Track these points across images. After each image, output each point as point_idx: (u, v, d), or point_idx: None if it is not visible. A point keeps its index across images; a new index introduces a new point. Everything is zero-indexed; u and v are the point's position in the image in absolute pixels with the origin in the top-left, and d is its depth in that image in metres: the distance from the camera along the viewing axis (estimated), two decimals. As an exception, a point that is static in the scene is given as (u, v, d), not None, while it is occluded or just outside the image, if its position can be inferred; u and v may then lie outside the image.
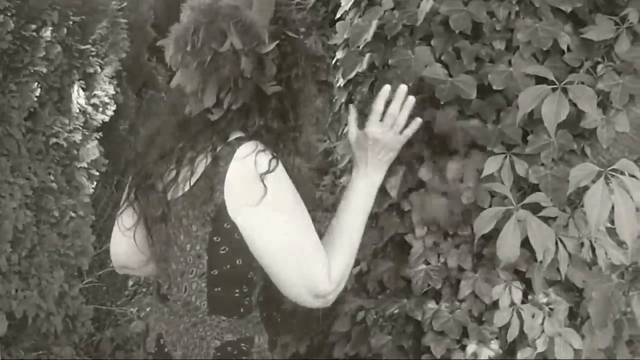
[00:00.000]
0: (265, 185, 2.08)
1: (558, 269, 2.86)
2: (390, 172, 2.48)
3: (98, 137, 4.82)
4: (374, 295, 3.23)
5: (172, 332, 2.36)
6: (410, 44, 2.97)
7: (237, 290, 2.27)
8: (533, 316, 2.95)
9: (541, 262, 2.78)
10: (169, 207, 2.25)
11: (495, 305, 2.93)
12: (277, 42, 2.12)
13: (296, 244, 2.15)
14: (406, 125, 2.30)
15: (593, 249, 2.93)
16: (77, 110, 4.59)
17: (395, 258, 3.13)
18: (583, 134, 2.78)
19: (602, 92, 2.68)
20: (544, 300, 2.97)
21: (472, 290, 2.94)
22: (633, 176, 2.64)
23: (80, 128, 4.61)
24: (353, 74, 3.06)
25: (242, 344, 2.33)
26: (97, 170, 4.82)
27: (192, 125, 2.19)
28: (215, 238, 2.19)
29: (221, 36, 2.04)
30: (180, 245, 2.27)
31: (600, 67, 2.75)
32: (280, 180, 2.13)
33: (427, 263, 2.96)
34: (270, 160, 2.11)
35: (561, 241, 2.84)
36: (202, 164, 2.14)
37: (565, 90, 2.61)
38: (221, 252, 2.21)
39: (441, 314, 3.01)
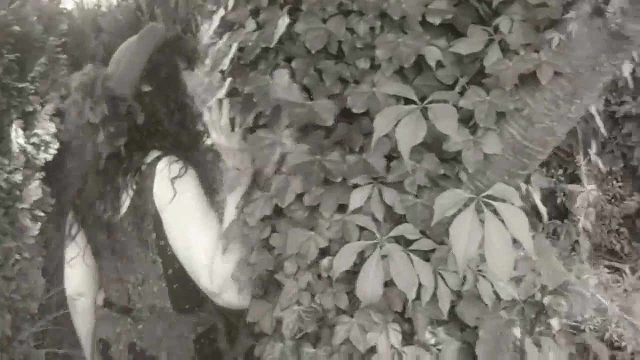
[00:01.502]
0: (174, 189, 2.57)
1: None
2: (248, 198, 2.66)
3: (41, 176, 4.64)
4: (255, 336, 2.98)
5: (149, 337, 2.74)
6: (272, 68, 2.71)
7: (192, 283, 2.63)
8: (417, 359, 2.66)
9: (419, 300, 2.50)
10: (115, 228, 2.69)
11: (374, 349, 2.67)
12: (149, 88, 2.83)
13: (190, 243, 2.59)
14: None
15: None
16: (17, 150, 4.43)
17: (271, 298, 2.86)
18: (456, 158, 2.50)
19: (466, 110, 2.40)
20: (432, 340, 2.68)
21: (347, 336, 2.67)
22: (511, 203, 2.36)
23: (21, 168, 4.44)
24: (212, 100, 2.82)
25: (212, 334, 2.80)
26: (43, 211, 4.64)
27: (110, 160, 2.69)
28: (161, 242, 2.67)
29: (97, 106, 2.63)
30: (137, 256, 2.70)
31: (461, 80, 2.49)
32: (188, 185, 2.64)
33: (300, 304, 2.68)
34: (180, 169, 2.65)
35: (441, 276, 2.54)
36: (132, 184, 2.65)
37: (426, 110, 2.33)
38: (169, 252, 2.67)
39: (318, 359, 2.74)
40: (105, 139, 2.67)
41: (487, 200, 2.37)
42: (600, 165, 3.22)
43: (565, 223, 8.46)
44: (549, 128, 2.51)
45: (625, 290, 7.73)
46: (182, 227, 2.66)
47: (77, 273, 2.98)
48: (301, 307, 2.76)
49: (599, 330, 6.96)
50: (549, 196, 8.91)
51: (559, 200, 8.83)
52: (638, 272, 5.72)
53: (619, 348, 7.08)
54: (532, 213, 3.41)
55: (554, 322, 2.84)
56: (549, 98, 2.46)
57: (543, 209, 3.14)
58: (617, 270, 8.25)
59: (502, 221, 2.34)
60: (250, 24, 2.82)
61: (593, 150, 3.14)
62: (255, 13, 2.86)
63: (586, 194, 3.06)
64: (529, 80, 2.44)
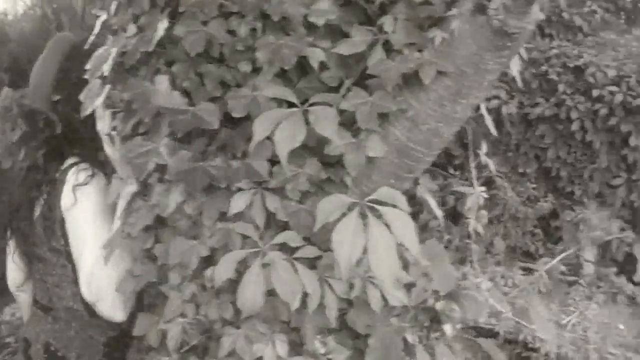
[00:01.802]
0: (75, 196, 2.60)
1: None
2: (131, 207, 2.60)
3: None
4: (144, 350, 2.87)
5: (62, 337, 2.78)
6: (153, 73, 2.61)
7: None
8: (306, 369, 2.58)
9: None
10: (30, 234, 2.78)
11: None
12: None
13: (78, 250, 2.63)
14: None
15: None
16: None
17: (158, 311, 2.76)
18: (341, 162, 2.43)
19: (351, 113, 2.32)
20: (322, 350, 2.60)
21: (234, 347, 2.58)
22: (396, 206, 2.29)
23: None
24: (90, 108, 2.70)
25: (123, 339, 2.78)
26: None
27: (31, 170, 2.80)
28: (67, 248, 2.69)
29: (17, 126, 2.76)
30: (50, 261, 2.76)
31: (346, 82, 2.41)
32: (88, 194, 2.64)
33: (184, 316, 2.58)
34: (87, 176, 2.68)
35: (328, 283, 2.46)
36: (45, 192, 2.73)
37: (307, 113, 2.24)
38: None
39: (204, 373, 2.66)
40: (26, 153, 2.77)
41: (371, 204, 2.29)
42: (491, 166, 3.17)
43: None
44: (434, 129, 2.46)
45: (540, 292, 7.78)
46: (74, 234, 2.68)
47: (12, 269, 3.03)
48: (186, 320, 2.66)
49: (514, 333, 6.99)
50: (462, 199, 8.93)
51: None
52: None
53: (534, 350, 7.11)
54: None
55: (447, 328, 2.79)
56: (434, 98, 2.40)
57: (438, 212, 3.08)
58: (531, 271, 8.31)
59: (388, 226, 2.27)
60: (132, 29, 2.71)
61: (483, 151, 3.10)
62: (137, 17, 2.75)
63: (476, 197, 3.01)
64: (413, 80, 2.39)
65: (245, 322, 2.63)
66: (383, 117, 2.45)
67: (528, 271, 8.84)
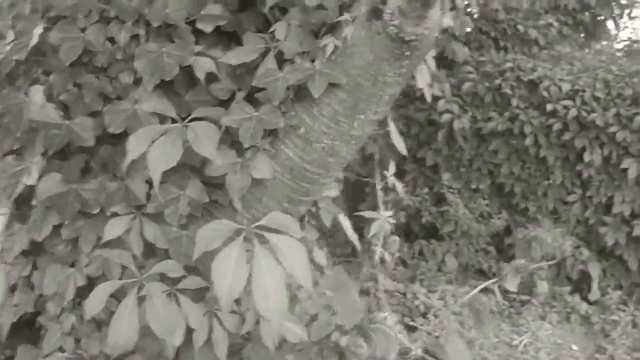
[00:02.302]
0: None
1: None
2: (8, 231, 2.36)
3: None
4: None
5: None
6: (29, 83, 2.37)
7: None
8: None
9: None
10: None
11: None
12: None
13: None
14: None
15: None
16: None
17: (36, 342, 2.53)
18: (231, 183, 2.20)
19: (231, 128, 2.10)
20: (215, 388, 2.37)
21: (113, 384, 2.34)
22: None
23: None
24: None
25: None
26: None
27: None
28: None
29: None
30: None
31: (238, 95, 2.19)
32: None
33: (63, 350, 2.35)
34: None
35: (217, 317, 2.23)
36: None
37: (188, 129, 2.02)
38: None
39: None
40: None
41: (259, 231, 2.07)
42: (399, 188, 2.96)
43: (432, 243, 8.31)
44: (329, 148, 2.24)
45: (492, 312, 7.60)
46: None
47: None
48: (65, 354, 2.43)
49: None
50: (415, 215, 8.76)
51: (423, 220, 8.68)
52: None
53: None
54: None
55: (354, 366, 2.56)
56: (327, 114, 2.19)
57: (354, 238, 2.87)
58: (484, 290, 8.12)
59: (277, 254, 2.05)
60: (10, 35, 2.47)
61: (390, 171, 2.87)
62: (16, 23, 2.51)
63: (381, 222, 2.78)
64: (305, 94, 2.16)
65: (128, 358, 2.40)
66: (272, 134, 2.23)
67: (480, 290, 8.67)
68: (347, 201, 9.62)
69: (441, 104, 8.76)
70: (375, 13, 2.05)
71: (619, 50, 11.38)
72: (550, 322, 8.12)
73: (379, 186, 2.75)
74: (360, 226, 9.38)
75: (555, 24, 10.09)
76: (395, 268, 8.53)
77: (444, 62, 9.42)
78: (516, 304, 8.31)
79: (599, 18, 11.47)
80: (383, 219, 2.76)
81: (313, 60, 2.20)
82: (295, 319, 2.46)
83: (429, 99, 2.85)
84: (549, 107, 8.45)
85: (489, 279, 8.72)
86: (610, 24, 12.12)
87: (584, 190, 8.66)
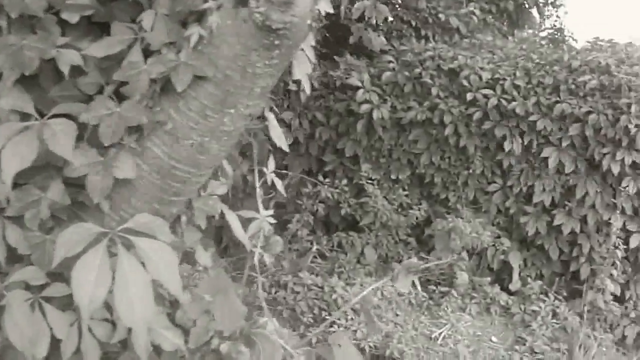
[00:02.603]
0: None
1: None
2: None
3: None
4: None
5: None
6: None
7: None
8: None
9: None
10: None
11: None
12: None
13: None
14: None
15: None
16: None
17: None
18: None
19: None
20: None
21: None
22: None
23: None
24: None
25: None
26: None
27: None
28: None
29: None
30: None
31: (107, 89, 2.04)
32: None
33: None
34: None
35: (90, 328, 2.09)
36: None
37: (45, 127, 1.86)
38: None
39: None
40: None
41: (125, 234, 1.93)
42: (279, 187, 2.83)
43: (351, 235, 8.22)
44: (198, 144, 2.11)
45: (412, 304, 7.53)
46: None
47: None
48: None
49: (379, 348, 6.71)
50: (334, 207, 8.66)
51: (342, 212, 8.58)
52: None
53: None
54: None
55: (235, 373, 2.43)
56: (195, 108, 2.05)
57: (243, 237, 2.73)
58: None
59: (143, 259, 1.91)
60: None
61: (270, 168, 2.74)
62: None
63: (260, 222, 2.65)
64: (171, 87, 2.02)
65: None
66: (136, 131, 2.09)
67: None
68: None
69: (360, 94, 8.65)
70: (241, 0, 1.92)
71: (543, 38, 11.43)
72: (470, 313, 8.10)
73: (257, 184, 2.62)
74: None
75: (478, 12, 10.07)
76: (314, 261, 8.43)
77: (364, 51, 9.34)
78: (436, 295, 8.26)
79: (523, 6, 11.49)
80: (262, 219, 2.63)
81: (180, 52, 2.06)
82: (170, 326, 2.34)
83: (308, 90, 2.72)
84: (469, 96, 8.41)
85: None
86: (534, 12, 12.18)
87: (504, 180, 8.65)
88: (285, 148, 2.72)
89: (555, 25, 12.30)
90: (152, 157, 2.15)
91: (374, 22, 8.21)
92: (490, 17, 10.83)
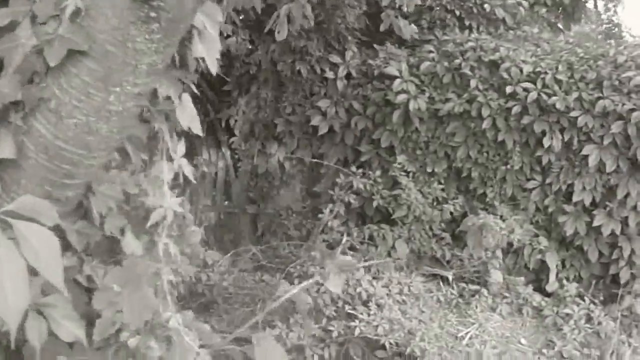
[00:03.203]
0: None
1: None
2: None
3: None
4: None
5: None
6: None
7: None
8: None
9: None
10: None
11: None
12: None
13: None
14: None
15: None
16: None
17: None
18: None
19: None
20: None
21: None
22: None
23: None
24: None
25: None
26: None
27: None
28: None
29: None
30: None
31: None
32: None
33: None
34: None
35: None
36: None
37: None
38: None
39: None
40: None
41: (4, 217, 1.80)
42: (188, 172, 2.66)
43: (383, 228, 8.05)
44: (84, 124, 1.96)
45: (440, 301, 7.34)
46: None
47: None
48: None
49: (400, 345, 6.54)
50: (369, 199, 8.50)
51: (375, 204, 8.41)
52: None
53: (421, 365, 6.67)
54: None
55: (142, 370, 2.29)
56: (77, 85, 1.91)
57: (190, 216, 2.60)
58: (436, 277, 7.86)
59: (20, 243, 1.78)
60: None
61: (179, 153, 2.58)
62: None
63: (163, 211, 2.49)
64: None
65: None
66: (19, 107, 1.96)
67: (433, 277, 8.42)
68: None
69: (397, 84, 8.47)
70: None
71: (599, 33, 11.12)
72: (500, 313, 7.86)
73: (165, 169, 2.45)
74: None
75: (525, 3, 9.77)
76: (344, 252, 8.26)
77: (404, 41, 9.14)
78: (466, 293, 8.03)
79: (579, -1, 11.16)
80: (166, 207, 2.47)
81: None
82: (73, 316, 2.21)
83: (213, 71, 2.55)
84: (509, 89, 8.17)
85: (443, 267, 8.47)
86: (591, 5, 11.85)
87: (543, 177, 8.39)
88: (199, 132, 2.57)
89: (612, 20, 11.94)
90: (37, 136, 2.02)
91: (405, 9, 8.01)
92: (544, 10, 10.52)
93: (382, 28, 8.71)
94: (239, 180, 9.99)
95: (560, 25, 11.22)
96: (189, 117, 2.48)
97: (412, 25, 8.58)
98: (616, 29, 11.49)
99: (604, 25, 11.88)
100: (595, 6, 11.56)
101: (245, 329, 4.98)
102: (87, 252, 2.49)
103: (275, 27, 6.76)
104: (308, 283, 4.30)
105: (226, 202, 10.19)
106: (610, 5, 11.99)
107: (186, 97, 2.55)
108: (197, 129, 2.54)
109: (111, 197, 2.40)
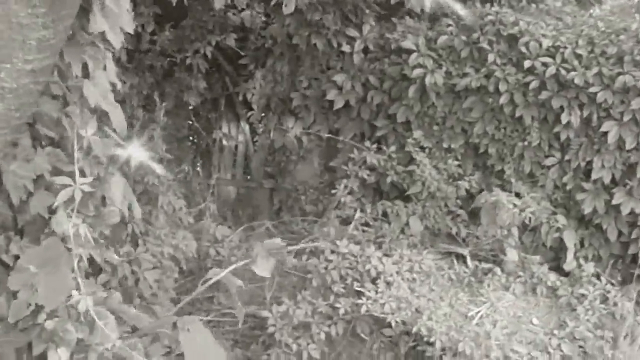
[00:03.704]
0: None
1: None
2: None
3: None
4: None
5: None
6: None
7: None
8: None
9: None
10: None
11: None
12: None
13: None
14: None
15: None
16: None
17: None
18: None
19: None
20: None
21: None
22: None
23: None
24: None
25: None
26: None
27: None
28: None
29: None
30: None
31: None
32: None
33: None
34: None
35: None
36: None
37: None
38: None
39: None
40: None
41: None
42: (98, 150, 2.54)
43: (396, 204, 7.96)
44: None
45: (451, 279, 7.24)
46: None
47: None
48: None
49: (407, 324, 6.47)
50: (384, 174, 8.40)
51: (389, 179, 8.31)
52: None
53: (429, 343, 6.59)
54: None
55: (62, 353, 2.23)
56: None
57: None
58: (452, 254, 7.75)
59: None
60: None
61: (89, 131, 2.46)
62: None
63: (70, 191, 2.40)
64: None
65: None
66: None
67: (449, 254, 8.32)
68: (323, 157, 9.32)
69: (413, 58, 8.33)
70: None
71: (631, 7, 10.83)
72: (514, 292, 7.72)
73: (76, 147, 2.38)
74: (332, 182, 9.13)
75: (553, -23, 9.57)
76: (357, 229, 8.19)
77: (425, 14, 8.99)
78: (479, 272, 7.90)
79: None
80: (75, 186, 2.39)
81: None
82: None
83: (116, 45, 2.47)
84: (527, 63, 8.00)
85: (459, 244, 8.36)
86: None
87: (562, 154, 8.22)
88: (110, 108, 2.50)
89: (645, -8, 11.62)
90: None
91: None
92: (575, -16, 10.27)
93: (392, 0, 8.55)
94: (257, 154, 9.95)
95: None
96: (100, 92, 2.41)
97: (430, -2, 8.41)
98: (644, 3, 11.15)
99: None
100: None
101: (178, 309, 4.93)
102: (16, 231, 2.44)
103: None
104: (236, 266, 4.21)
105: (247, 177, 10.18)
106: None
107: (100, 73, 2.48)
108: (110, 105, 2.47)
109: (23, 177, 2.33)
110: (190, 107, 10.07)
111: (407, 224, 8.28)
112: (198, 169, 10.46)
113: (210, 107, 10.41)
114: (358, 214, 8.22)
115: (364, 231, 8.18)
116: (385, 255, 7.53)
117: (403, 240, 8.06)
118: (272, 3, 7.70)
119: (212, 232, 7.95)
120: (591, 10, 9.96)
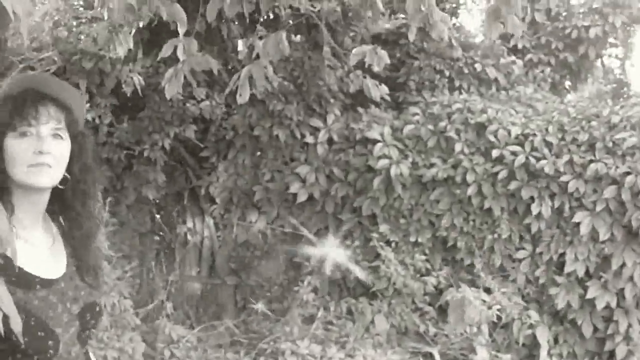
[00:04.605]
0: None
1: None
2: None
3: None
4: None
5: None
6: None
7: None
8: None
9: None
10: None
11: None
12: None
13: None
14: None
15: None
16: None
17: None
18: None
19: None
20: None
21: None
22: None
23: None
24: None
25: None
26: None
27: None
28: None
29: None
30: None
31: None
32: None
33: None
34: None
35: None
36: None
37: None
38: None
39: None
40: None
41: None
42: None
43: (360, 302, 7.63)
44: None
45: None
46: None
47: None
48: None
49: None
50: (348, 270, 8.09)
51: (352, 276, 7.99)
52: None
53: None
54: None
55: None
56: None
57: None
58: (419, 354, 7.41)
59: None
60: None
61: None
62: None
63: None
64: None
65: None
66: None
67: (419, 354, 7.97)
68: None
69: (378, 149, 8.09)
70: None
71: (606, 93, 10.75)
72: (485, 394, 7.37)
73: None
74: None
75: (519, 62, 9.42)
76: (319, 328, 7.88)
77: (391, 103, 8.81)
78: (447, 371, 7.56)
79: (586, 59, 10.72)
80: None
81: None
82: None
83: (25, 35, 2.23)
84: (495, 152, 7.77)
85: (427, 343, 8.02)
86: (599, 64, 11.45)
87: (533, 246, 7.93)
88: None
89: (621, 79, 11.53)
90: None
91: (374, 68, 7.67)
92: (549, 69, 10.13)
93: (352, 89, 8.37)
94: (221, 250, 9.67)
95: (567, 86, 10.81)
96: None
97: (383, 85, 8.22)
98: (625, 88, 11.08)
99: (611, 85, 11.48)
100: (603, 65, 11.15)
101: None
102: None
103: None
104: None
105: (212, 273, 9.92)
106: (617, 63, 11.60)
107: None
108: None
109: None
110: (155, 201, 9.84)
111: (372, 322, 7.95)
112: (161, 265, 10.16)
113: (173, 201, 10.17)
114: (321, 312, 7.89)
115: (327, 330, 7.85)
116: (348, 356, 7.21)
117: (368, 339, 7.73)
118: (228, 93, 7.48)
119: (167, 332, 7.60)
120: (566, 97, 9.84)
